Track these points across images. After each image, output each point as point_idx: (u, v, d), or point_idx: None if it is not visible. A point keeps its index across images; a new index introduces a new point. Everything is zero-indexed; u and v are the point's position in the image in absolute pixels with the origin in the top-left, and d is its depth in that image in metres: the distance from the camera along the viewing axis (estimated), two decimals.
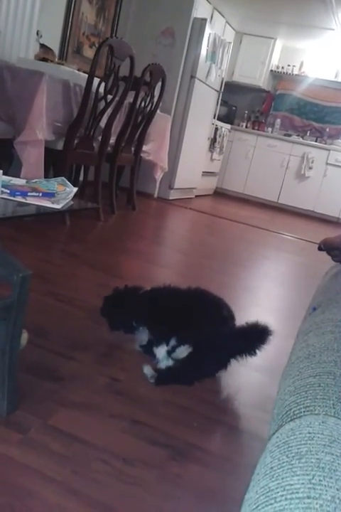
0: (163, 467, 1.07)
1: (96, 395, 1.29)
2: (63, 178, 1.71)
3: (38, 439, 1.06)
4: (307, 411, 0.53)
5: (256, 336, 1.41)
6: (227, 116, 6.78)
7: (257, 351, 1.41)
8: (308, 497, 0.36)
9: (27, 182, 1.62)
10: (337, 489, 0.36)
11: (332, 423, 0.47)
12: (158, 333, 1.49)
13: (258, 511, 0.37)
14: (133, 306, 1.54)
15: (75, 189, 1.62)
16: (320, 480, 0.37)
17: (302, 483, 0.37)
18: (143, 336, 1.53)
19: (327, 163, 6.51)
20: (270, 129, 6.97)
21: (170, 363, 1.46)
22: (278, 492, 0.38)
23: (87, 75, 2.99)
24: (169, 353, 1.45)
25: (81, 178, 3.88)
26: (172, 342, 1.45)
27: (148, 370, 1.43)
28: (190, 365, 1.43)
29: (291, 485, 0.38)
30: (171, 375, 1.44)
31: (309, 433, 0.45)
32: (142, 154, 4.23)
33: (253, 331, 1.41)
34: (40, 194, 1.50)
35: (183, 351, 1.44)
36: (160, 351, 1.47)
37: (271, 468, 0.42)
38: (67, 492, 0.94)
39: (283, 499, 0.37)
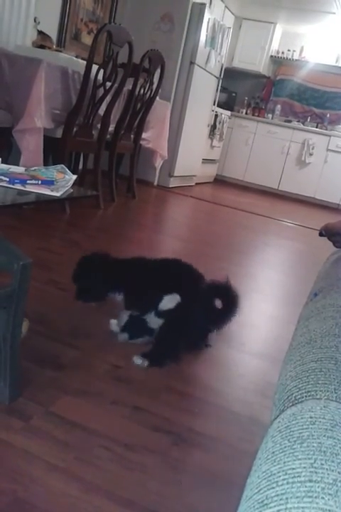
0: (165, 453, 1.08)
1: (97, 382, 1.29)
2: (62, 165, 1.71)
3: (41, 426, 1.07)
4: (309, 396, 0.53)
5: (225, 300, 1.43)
6: (227, 102, 6.73)
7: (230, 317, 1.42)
8: (310, 480, 0.36)
9: (26, 170, 1.61)
10: (339, 473, 0.36)
11: (333, 407, 0.47)
12: (140, 301, 1.50)
13: (260, 495, 0.37)
14: (109, 272, 1.51)
15: (75, 177, 1.61)
16: (321, 464, 0.37)
17: (304, 467, 0.38)
18: (123, 317, 1.52)
19: (327, 149, 6.48)
20: (270, 116, 6.93)
21: (160, 321, 1.46)
22: (279, 476, 0.38)
23: (85, 62, 2.96)
24: (158, 313, 1.45)
25: (80, 166, 3.87)
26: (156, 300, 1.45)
27: (138, 359, 1.42)
28: (175, 331, 1.45)
29: (293, 469, 0.38)
30: (160, 351, 1.44)
31: (311, 417, 0.45)
32: (141, 142, 4.20)
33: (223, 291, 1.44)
34: (40, 182, 1.49)
35: (170, 300, 1.44)
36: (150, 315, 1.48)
37: (273, 452, 0.42)
38: (70, 478, 0.94)
39: (285, 483, 0.37)
